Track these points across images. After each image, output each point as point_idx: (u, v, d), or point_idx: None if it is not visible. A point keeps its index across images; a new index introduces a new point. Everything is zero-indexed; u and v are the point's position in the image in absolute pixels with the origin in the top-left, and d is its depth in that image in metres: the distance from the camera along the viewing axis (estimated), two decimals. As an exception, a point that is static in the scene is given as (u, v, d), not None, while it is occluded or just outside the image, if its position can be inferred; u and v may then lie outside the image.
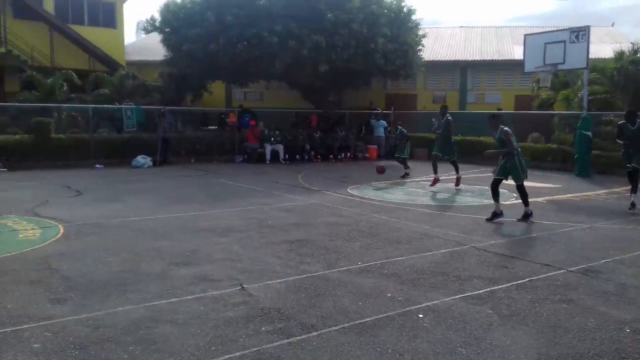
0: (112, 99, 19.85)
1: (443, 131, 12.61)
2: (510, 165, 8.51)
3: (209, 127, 21.93)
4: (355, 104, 24.73)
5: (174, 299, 4.77)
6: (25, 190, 11.58)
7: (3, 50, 23.05)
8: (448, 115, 12.61)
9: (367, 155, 21.34)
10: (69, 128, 18.26)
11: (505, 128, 8.59)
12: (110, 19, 26.38)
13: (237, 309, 4.54)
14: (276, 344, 3.86)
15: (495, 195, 8.60)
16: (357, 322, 4.28)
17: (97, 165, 16.62)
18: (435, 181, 12.60)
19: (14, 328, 4.04)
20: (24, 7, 23.56)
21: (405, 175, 14.59)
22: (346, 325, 4.22)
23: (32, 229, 7.66)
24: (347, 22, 18.42)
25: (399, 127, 15.53)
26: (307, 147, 20.16)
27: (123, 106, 18.83)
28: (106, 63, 24.53)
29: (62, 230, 7.48)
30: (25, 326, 4.08)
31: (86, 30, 24.83)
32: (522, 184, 8.52)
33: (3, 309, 4.44)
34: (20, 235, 7.25)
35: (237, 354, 3.68)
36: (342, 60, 18.85)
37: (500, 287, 5.25)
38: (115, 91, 20.43)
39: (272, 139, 19.45)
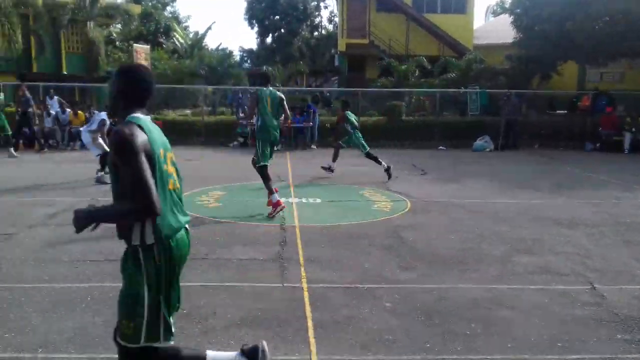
0: (458, 82, 20.41)
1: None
2: None
3: (557, 112, 20.49)
4: None
5: (515, 285, 4.64)
6: (379, 167, 12.91)
7: (366, 41, 26.12)
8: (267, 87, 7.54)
9: None
10: (417, 111, 19.58)
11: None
12: (461, 5, 27.05)
13: (586, 309, 4.13)
14: (635, 356, 3.37)
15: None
16: None
17: (441, 147, 17.39)
18: None
19: (370, 286, 4.56)
20: (386, 1, 26.16)
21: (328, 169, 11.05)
22: None
23: (384, 201, 8.51)
24: None
25: (347, 111, 11.21)
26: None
27: (468, 90, 19.16)
28: (454, 48, 25.31)
29: (409, 205, 8.09)
30: (379, 286, 4.56)
31: (438, 18, 26.07)
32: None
33: (361, 267, 5.06)
34: (375, 206, 8.13)
35: (587, 356, 3.36)
36: None
37: None
38: (462, 75, 20.91)
39: (634, 127, 16.97)
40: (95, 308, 3.94)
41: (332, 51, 34.56)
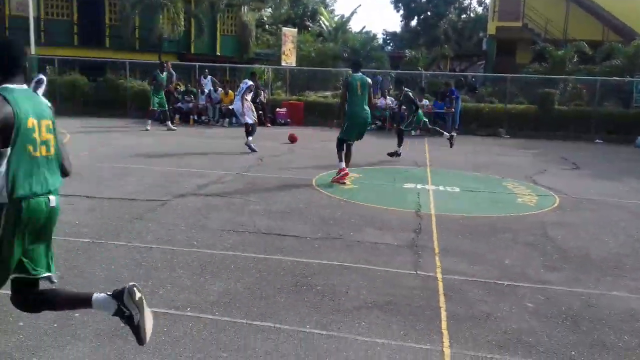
0: (623, 70, 18.46)
1: None
2: None
3: None
4: None
5: (682, 300, 4.09)
6: (524, 158, 12.18)
7: (519, 24, 24.53)
8: None
9: None
10: (572, 100, 18.08)
11: None
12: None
13: None
14: None
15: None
16: None
17: (597, 140, 15.91)
18: None
19: (509, 283, 4.29)
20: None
21: (394, 155, 10.83)
22: None
23: (529, 194, 7.97)
24: None
25: (405, 89, 11.59)
26: None
27: (635, 79, 17.24)
28: (621, 32, 22.84)
29: (557, 201, 7.49)
30: (521, 284, 4.27)
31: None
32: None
33: (502, 263, 4.78)
34: (519, 199, 7.65)
35: None
36: None
37: None
38: (628, 62, 18.86)
39: None
40: (237, 275, 4.16)
41: (480, 34, 33.07)
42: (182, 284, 3.93)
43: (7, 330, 3.14)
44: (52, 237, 2.70)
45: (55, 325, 3.21)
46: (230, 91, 18.20)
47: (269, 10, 33.79)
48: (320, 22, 34.41)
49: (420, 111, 11.15)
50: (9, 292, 2.67)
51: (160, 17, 21.88)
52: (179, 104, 17.65)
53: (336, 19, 37.55)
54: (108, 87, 19.08)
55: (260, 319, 3.42)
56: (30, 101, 2.50)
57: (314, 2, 39.35)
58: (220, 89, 18.19)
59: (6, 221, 2.40)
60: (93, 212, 5.82)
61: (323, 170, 9.04)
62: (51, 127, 2.57)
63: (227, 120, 17.44)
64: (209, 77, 18.75)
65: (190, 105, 17.88)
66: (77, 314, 3.33)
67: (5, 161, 2.38)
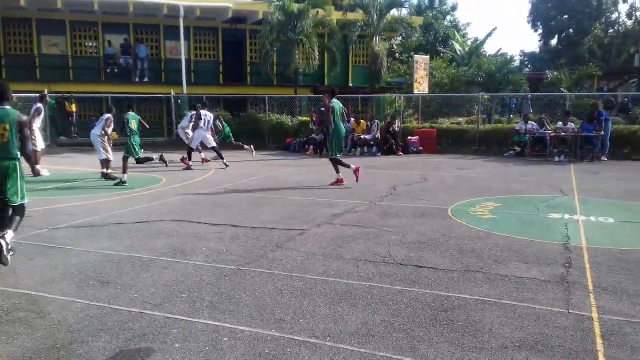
0: None
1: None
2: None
3: None
4: None
5: None
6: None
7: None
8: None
9: None
10: None
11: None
12: None
13: None
14: None
15: None
16: None
17: None
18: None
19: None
20: None
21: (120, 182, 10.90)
22: None
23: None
24: None
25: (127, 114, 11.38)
26: None
27: None
28: None
29: None
30: (695, 329, 3.75)
31: None
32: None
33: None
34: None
35: None
36: None
37: None
38: None
39: None
40: (374, 307, 4.13)
41: (632, 50, 30.35)
42: (320, 313, 3.99)
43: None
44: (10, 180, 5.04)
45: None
46: (362, 120, 18.51)
47: (399, 38, 34.02)
48: (453, 46, 33.87)
49: (136, 137, 11.30)
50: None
51: (296, 52, 22.99)
52: (313, 135, 18.27)
53: (469, 42, 36.76)
54: (249, 120, 20.39)
55: (400, 354, 3.35)
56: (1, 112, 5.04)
57: (445, 27, 38.96)
58: (352, 119, 18.56)
59: None
60: (237, 240, 6.17)
61: (459, 200, 8.77)
62: (7, 127, 5.04)
63: (359, 149, 17.70)
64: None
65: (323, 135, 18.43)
66: (225, 338, 3.52)
67: None
